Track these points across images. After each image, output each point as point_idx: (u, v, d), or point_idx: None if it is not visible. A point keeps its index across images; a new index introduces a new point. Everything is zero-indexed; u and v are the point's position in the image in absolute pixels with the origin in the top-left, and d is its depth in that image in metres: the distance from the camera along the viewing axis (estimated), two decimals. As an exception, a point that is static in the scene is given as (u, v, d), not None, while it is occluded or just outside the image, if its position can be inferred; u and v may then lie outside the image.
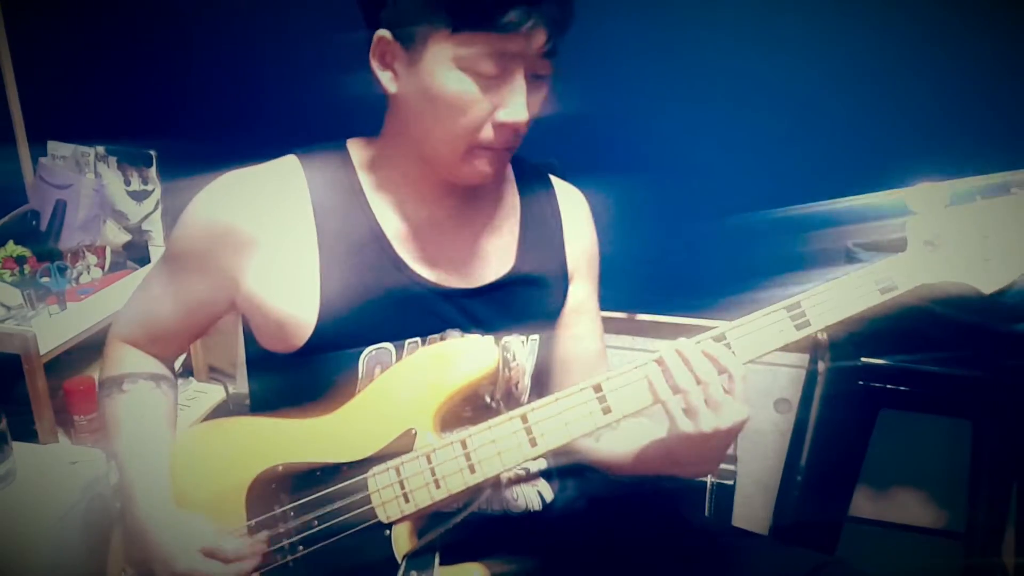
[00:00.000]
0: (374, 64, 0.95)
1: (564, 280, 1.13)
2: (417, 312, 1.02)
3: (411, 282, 1.02)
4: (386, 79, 0.95)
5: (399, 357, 1.01)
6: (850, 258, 1.51)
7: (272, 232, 0.99)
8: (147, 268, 1.98)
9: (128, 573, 1.05)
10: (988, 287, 0.92)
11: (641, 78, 1.75)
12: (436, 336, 1.03)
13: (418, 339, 1.03)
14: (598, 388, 0.94)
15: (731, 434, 0.90)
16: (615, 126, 1.80)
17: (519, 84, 0.91)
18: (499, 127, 0.93)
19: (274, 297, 0.99)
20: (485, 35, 0.87)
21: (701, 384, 0.90)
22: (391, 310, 1.01)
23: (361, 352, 1.00)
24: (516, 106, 0.91)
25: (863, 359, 1.57)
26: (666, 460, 1.00)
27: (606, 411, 0.93)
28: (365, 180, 1.03)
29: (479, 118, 0.92)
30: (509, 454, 0.94)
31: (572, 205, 1.16)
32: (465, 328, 1.04)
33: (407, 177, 1.02)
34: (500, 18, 0.85)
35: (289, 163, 1.03)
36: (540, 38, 0.88)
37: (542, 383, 1.14)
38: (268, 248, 0.99)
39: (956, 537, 1.80)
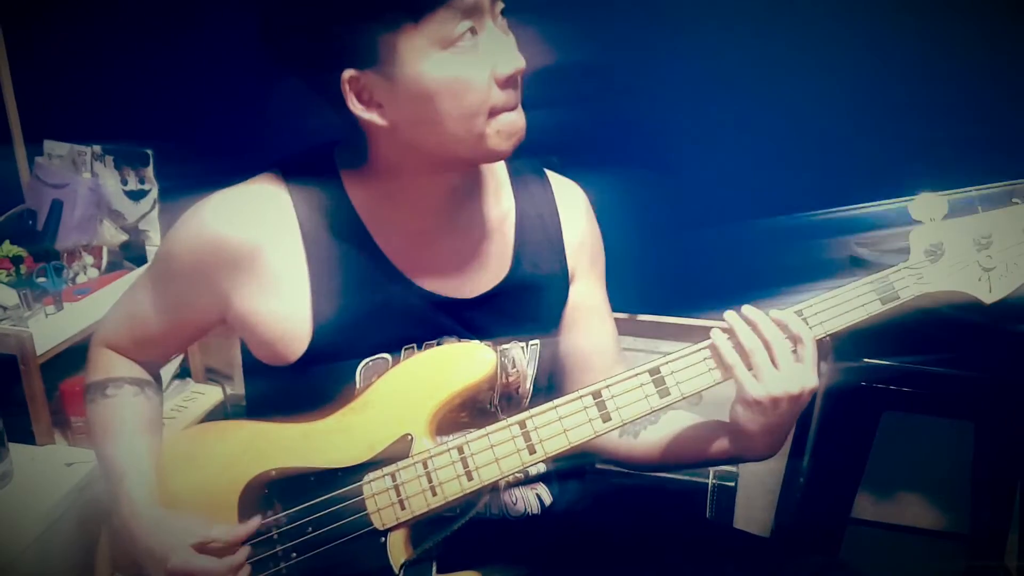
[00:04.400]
0: (356, 109, 0.91)
1: (564, 280, 1.11)
2: (414, 322, 1.01)
3: (407, 292, 1.01)
4: (374, 115, 0.91)
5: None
6: (853, 260, 1.50)
7: (262, 250, 0.98)
8: (144, 269, 1.97)
9: None
10: (989, 297, 0.92)
11: (649, 80, 1.74)
12: (433, 342, 1.02)
13: (414, 346, 1.02)
14: (597, 395, 0.93)
15: (799, 403, 0.92)
16: (621, 126, 1.79)
17: (498, 35, 0.89)
18: (504, 82, 0.90)
19: (265, 315, 0.99)
20: (446, 7, 0.85)
21: (770, 348, 0.91)
22: (387, 321, 1.00)
23: (358, 363, 0.99)
24: (509, 54, 0.90)
25: (865, 360, 1.56)
26: (730, 439, 1.00)
27: (605, 418, 0.93)
28: (354, 193, 1.01)
29: (483, 85, 0.89)
30: (507, 461, 0.94)
31: (569, 200, 1.13)
32: (463, 336, 1.03)
33: (400, 190, 1.00)
34: None
35: (272, 180, 1.01)
36: None
37: (552, 386, 1.13)
38: (259, 266, 0.98)
39: (959, 539, 1.79)
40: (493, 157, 0.96)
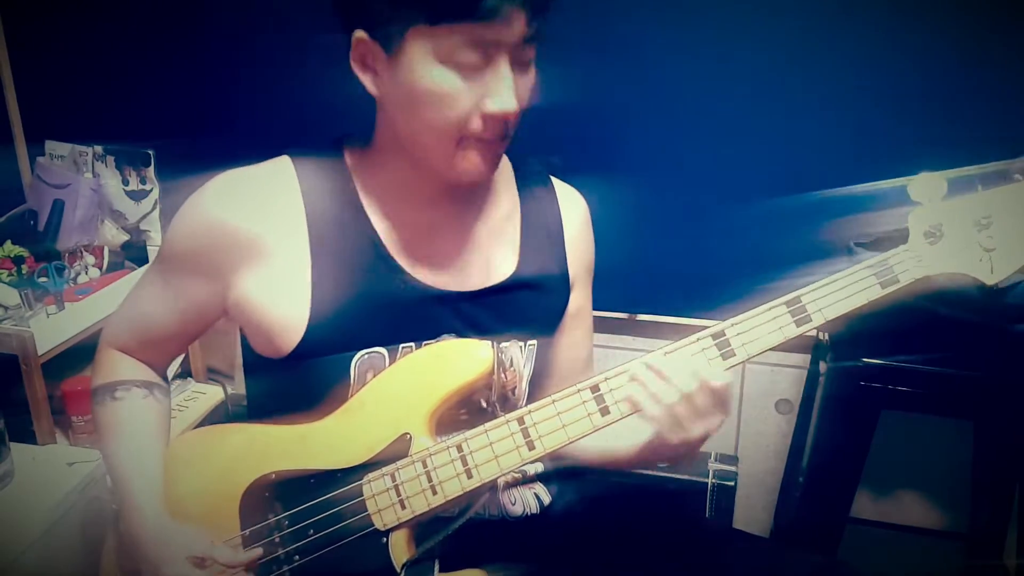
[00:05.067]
0: (355, 67, 0.94)
1: (566, 286, 1.12)
2: (412, 316, 1.01)
3: (406, 286, 1.00)
4: (368, 81, 0.94)
5: (392, 361, 1.00)
6: (852, 245, 1.50)
7: (266, 235, 0.98)
8: (145, 268, 1.98)
9: None
10: (991, 278, 0.89)
11: (642, 75, 1.74)
12: (431, 341, 1.02)
13: (412, 344, 1.01)
14: (595, 389, 0.93)
15: (706, 437, 0.93)
16: (616, 124, 1.79)
17: (504, 72, 0.89)
18: (488, 118, 0.91)
19: (265, 301, 0.98)
20: (465, 25, 0.85)
21: (682, 397, 0.90)
22: (385, 314, 1.00)
23: (352, 356, 0.99)
24: (503, 95, 0.90)
25: (864, 359, 1.56)
26: (651, 456, 1.03)
27: (604, 412, 0.92)
28: (360, 183, 1.02)
29: (465, 110, 0.90)
30: (506, 458, 0.93)
31: (573, 209, 1.14)
32: (462, 333, 1.03)
33: (403, 180, 1.00)
34: (479, 6, 0.84)
35: (282, 165, 1.02)
36: (520, 23, 0.87)
37: (539, 389, 1.13)
38: (262, 251, 0.98)
39: (958, 538, 1.80)
40: (454, 180, 0.97)
